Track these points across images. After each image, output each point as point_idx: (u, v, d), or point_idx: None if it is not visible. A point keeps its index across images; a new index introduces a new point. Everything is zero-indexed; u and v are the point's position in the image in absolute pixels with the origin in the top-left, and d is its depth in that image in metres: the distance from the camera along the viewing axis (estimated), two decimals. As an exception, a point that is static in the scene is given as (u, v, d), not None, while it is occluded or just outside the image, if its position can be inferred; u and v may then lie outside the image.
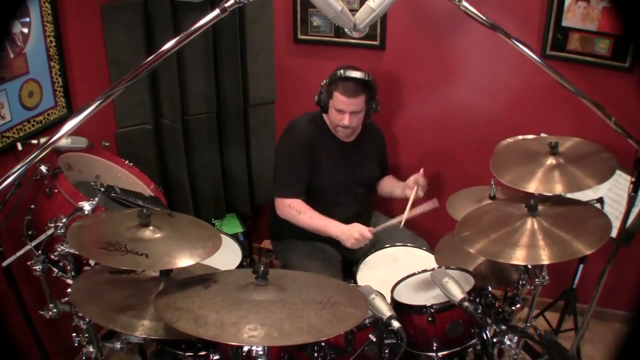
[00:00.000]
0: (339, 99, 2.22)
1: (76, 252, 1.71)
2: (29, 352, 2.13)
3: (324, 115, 2.37)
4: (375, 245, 2.32)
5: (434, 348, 1.75)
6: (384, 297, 1.68)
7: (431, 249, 2.24)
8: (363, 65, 2.34)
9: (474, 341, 1.78)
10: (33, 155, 1.39)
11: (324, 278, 1.77)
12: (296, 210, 2.27)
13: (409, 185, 2.36)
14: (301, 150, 2.31)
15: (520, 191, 1.82)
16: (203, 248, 1.57)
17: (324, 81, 2.29)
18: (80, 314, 1.76)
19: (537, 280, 1.92)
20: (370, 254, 2.26)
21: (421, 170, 2.33)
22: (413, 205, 2.25)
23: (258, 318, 1.29)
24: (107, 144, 2.27)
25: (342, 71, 2.22)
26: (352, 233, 2.17)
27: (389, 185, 2.56)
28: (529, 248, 1.61)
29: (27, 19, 2.09)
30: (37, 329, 2.10)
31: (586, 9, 2.31)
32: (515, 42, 1.63)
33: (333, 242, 2.35)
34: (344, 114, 2.25)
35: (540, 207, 1.72)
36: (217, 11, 1.43)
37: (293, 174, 2.32)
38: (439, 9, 2.53)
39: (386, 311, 1.62)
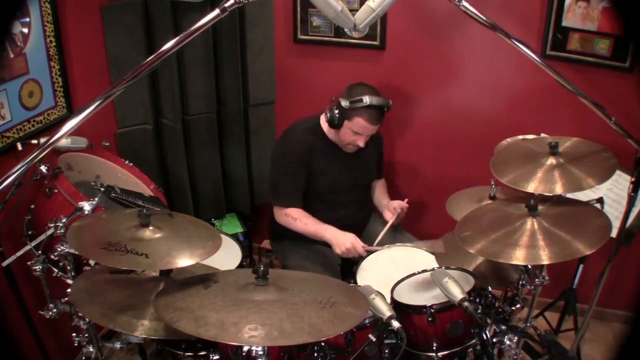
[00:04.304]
0: (362, 125, 2.20)
1: (76, 252, 1.71)
2: (29, 352, 2.13)
3: (327, 128, 2.34)
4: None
5: (434, 348, 1.75)
6: (383, 297, 1.68)
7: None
8: (363, 65, 2.33)
9: (474, 341, 1.78)
10: (33, 155, 1.38)
11: (324, 278, 1.76)
12: (292, 218, 2.31)
13: (389, 207, 2.41)
14: (297, 161, 2.31)
15: (520, 191, 1.82)
16: (203, 248, 1.57)
17: (343, 102, 2.19)
18: (80, 314, 1.76)
19: (537, 280, 1.92)
20: (370, 254, 2.26)
21: (405, 200, 2.39)
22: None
23: (258, 318, 1.29)
24: (107, 144, 2.26)
25: (367, 98, 2.15)
26: (344, 242, 2.17)
27: (376, 195, 2.59)
28: (529, 248, 1.61)
29: (27, 19, 2.09)
30: (37, 329, 2.10)
31: (586, 9, 2.31)
32: (515, 42, 1.62)
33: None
34: (361, 136, 2.25)
35: (540, 207, 1.72)
36: (217, 11, 1.43)
37: (289, 185, 2.33)
38: (439, 9, 2.53)
39: (386, 311, 1.62)
